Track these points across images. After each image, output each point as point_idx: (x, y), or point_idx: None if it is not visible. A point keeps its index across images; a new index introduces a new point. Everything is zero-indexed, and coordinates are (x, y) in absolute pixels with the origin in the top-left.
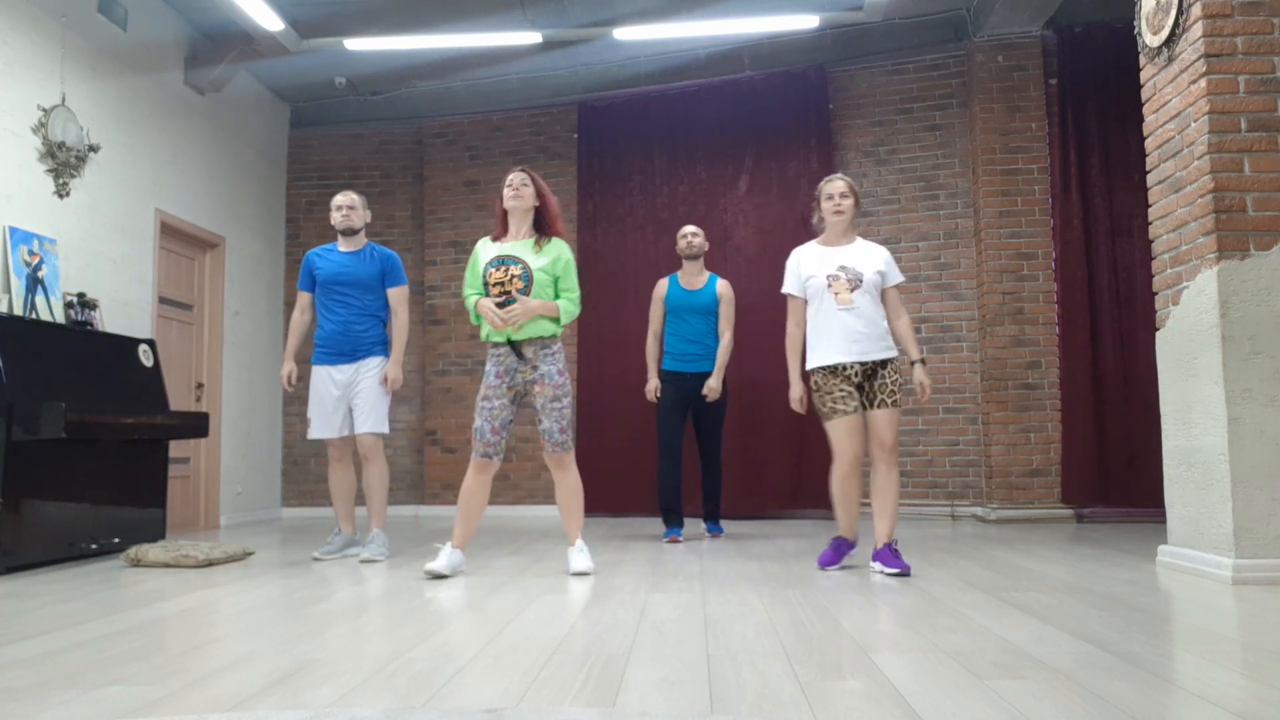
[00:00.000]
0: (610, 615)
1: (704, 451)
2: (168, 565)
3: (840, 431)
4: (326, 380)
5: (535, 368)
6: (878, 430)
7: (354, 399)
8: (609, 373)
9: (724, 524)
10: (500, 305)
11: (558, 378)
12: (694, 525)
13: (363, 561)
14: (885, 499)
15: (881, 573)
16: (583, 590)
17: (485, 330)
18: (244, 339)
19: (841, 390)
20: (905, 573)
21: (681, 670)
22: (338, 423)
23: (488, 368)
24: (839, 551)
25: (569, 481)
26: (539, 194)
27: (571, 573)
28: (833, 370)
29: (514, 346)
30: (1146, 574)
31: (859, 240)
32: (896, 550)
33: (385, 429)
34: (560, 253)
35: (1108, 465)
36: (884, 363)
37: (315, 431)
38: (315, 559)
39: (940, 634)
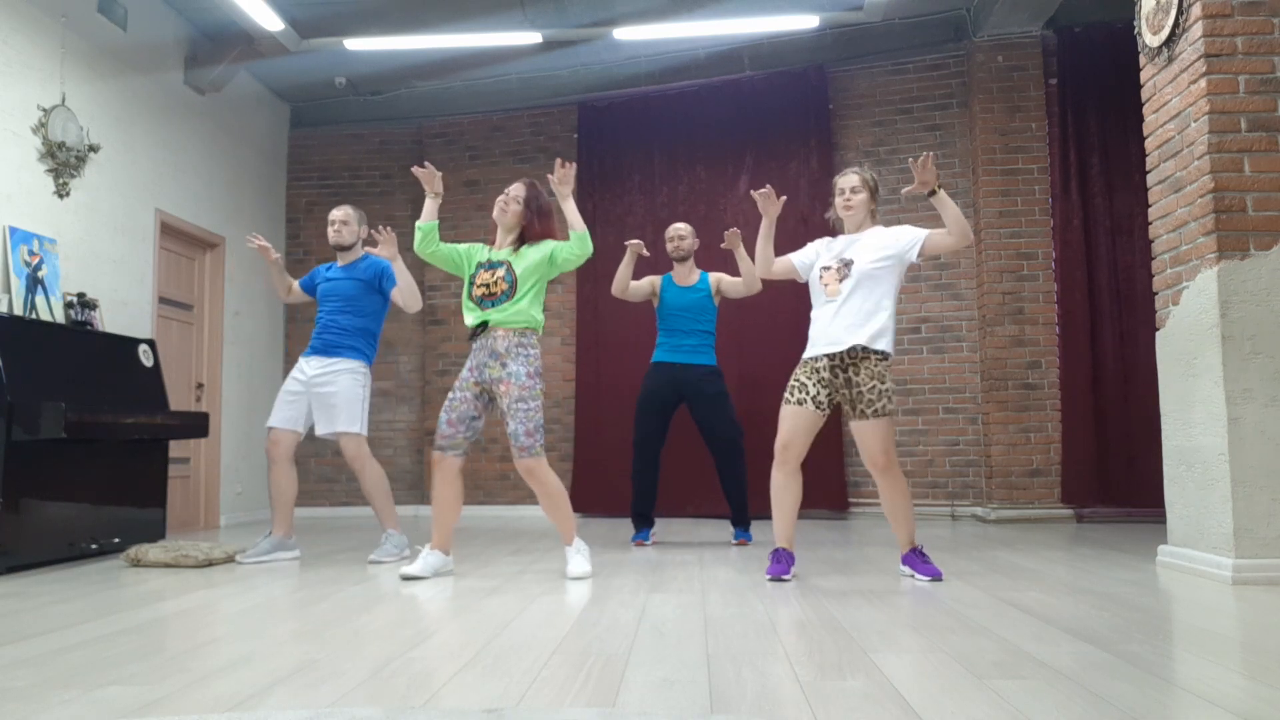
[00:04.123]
0: (610, 615)
1: (715, 445)
2: (168, 565)
3: (783, 416)
4: (296, 371)
5: (504, 365)
6: (865, 446)
7: (323, 399)
8: (607, 374)
9: (725, 523)
10: (484, 305)
11: (525, 380)
12: (693, 530)
13: (370, 562)
14: (893, 507)
15: (912, 578)
16: (582, 591)
17: (468, 320)
18: (244, 339)
19: (798, 381)
20: (938, 578)
21: (681, 670)
22: (289, 414)
23: (468, 362)
24: (783, 561)
25: (545, 489)
26: (528, 213)
27: (570, 577)
28: (805, 362)
29: (484, 329)
30: (1146, 574)
31: (874, 229)
32: (925, 554)
33: (359, 428)
34: (539, 246)
35: (1108, 465)
36: (857, 361)
37: (271, 418)
38: (239, 562)
39: (940, 634)
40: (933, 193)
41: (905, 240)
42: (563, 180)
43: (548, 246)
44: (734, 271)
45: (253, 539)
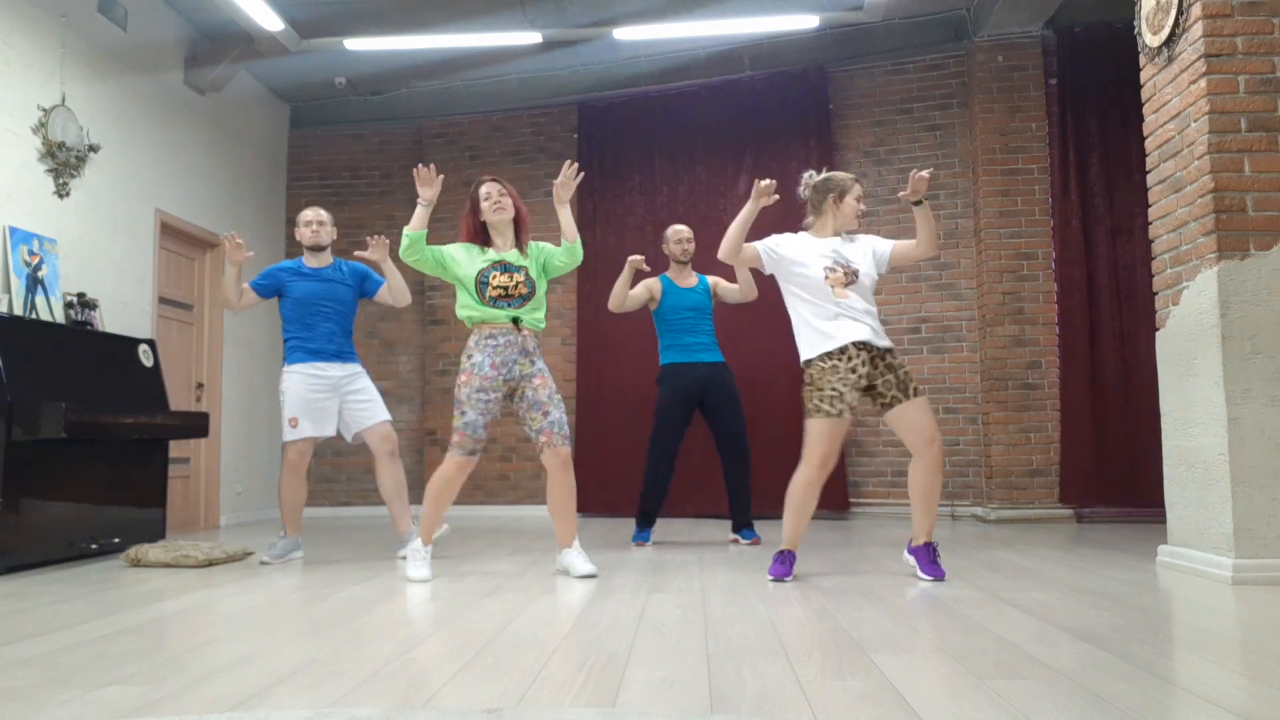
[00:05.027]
0: (610, 615)
1: (727, 448)
2: (168, 565)
3: (816, 431)
4: (314, 375)
5: (533, 362)
6: (918, 424)
7: (352, 399)
8: (608, 373)
9: (725, 523)
10: (500, 305)
11: (549, 371)
12: (693, 530)
13: (400, 558)
14: (930, 497)
15: (915, 573)
16: (582, 590)
17: (482, 314)
18: (244, 339)
19: (834, 389)
20: (940, 578)
21: (681, 670)
22: (324, 422)
23: (478, 358)
24: (786, 562)
25: (570, 481)
26: (516, 201)
27: (578, 576)
28: (835, 357)
29: (517, 324)
30: (1146, 574)
31: (857, 236)
32: (936, 553)
33: (389, 416)
34: (539, 249)
35: (1108, 465)
36: (887, 353)
37: (304, 430)
38: (263, 562)
39: (940, 634)
40: (918, 203)
41: (882, 253)
42: (564, 184)
43: (543, 252)
44: (730, 276)
45: (253, 539)
